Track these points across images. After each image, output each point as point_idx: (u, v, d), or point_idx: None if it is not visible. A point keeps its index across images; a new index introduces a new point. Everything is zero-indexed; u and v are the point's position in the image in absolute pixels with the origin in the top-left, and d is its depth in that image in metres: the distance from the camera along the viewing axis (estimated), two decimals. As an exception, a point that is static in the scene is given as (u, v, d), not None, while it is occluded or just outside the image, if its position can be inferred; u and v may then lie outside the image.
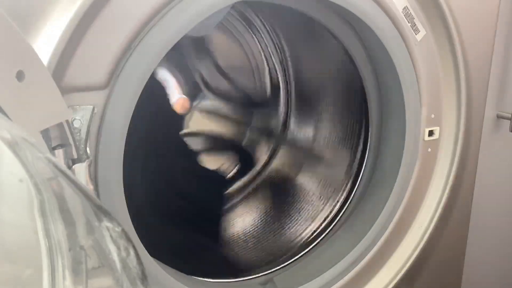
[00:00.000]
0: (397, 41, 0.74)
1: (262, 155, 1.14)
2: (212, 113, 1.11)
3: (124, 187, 0.59)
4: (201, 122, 1.11)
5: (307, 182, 1.04)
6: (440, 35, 0.79)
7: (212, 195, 1.09)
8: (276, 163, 1.13)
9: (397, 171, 0.81)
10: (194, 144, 1.11)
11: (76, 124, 0.53)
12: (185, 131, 1.09)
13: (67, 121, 0.50)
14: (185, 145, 1.10)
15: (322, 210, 0.95)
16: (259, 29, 1.06)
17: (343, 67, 0.89)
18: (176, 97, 1.05)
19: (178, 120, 1.07)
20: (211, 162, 1.14)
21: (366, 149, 0.90)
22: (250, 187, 1.12)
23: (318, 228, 0.93)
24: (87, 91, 0.54)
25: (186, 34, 0.59)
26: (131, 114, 0.57)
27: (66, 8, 0.51)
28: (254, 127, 1.15)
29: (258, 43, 1.09)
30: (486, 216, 0.99)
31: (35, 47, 0.45)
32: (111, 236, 0.36)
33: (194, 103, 1.08)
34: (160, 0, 0.56)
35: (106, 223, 0.36)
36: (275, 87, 1.12)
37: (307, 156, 1.07)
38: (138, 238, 0.62)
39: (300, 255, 0.89)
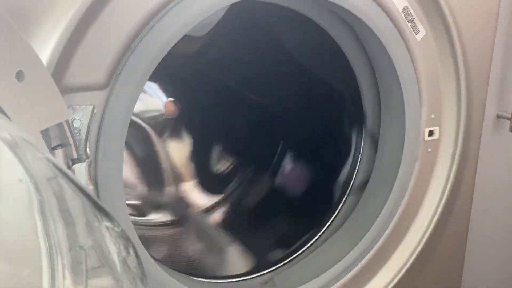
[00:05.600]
0: (397, 41, 0.74)
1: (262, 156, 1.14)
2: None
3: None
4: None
5: (308, 182, 1.04)
6: (440, 35, 0.79)
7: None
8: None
9: (397, 171, 0.81)
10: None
11: (76, 124, 0.53)
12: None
13: (67, 121, 0.50)
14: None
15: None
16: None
17: (340, 66, 0.89)
18: (164, 100, 1.05)
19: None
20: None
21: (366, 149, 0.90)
22: (252, 188, 1.12)
23: (319, 227, 0.92)
24: (87, 91, 0.54)
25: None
26: (131, 114, 0.57)
27: (66, 7, 0.51)
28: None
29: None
30: (486, 216, 0.99)
31: (35, 47, 0.45)
32: (111, 236, 0.36)
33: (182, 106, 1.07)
34: (160, 0, 0.56)
35: (106, 223, 0.36)
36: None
37: (306, 157, 1.07)
38: (138, 238, 0.63)
39: (300, 254, 0.89)
